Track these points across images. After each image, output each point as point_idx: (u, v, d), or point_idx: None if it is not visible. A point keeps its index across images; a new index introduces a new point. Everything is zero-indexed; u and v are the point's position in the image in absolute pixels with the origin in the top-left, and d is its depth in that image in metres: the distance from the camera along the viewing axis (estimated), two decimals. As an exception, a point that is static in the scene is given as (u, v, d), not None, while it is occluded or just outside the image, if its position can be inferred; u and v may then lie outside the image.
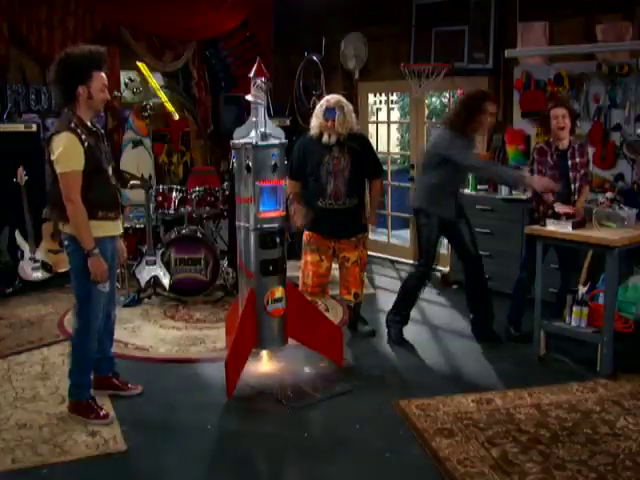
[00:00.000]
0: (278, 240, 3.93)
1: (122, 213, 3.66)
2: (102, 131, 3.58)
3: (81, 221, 3.31)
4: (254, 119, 3.90)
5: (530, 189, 4.60)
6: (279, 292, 3.96)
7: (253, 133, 3.88)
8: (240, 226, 3.97)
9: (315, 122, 4.56)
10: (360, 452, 3.24)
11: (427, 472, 3.06)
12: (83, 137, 3.30)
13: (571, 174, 4.49)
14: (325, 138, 4.52)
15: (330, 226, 4.61)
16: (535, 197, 4.60)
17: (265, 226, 3.88)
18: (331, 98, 4.57)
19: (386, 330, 4.83)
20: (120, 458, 3.19)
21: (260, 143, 3.84)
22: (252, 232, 3.89)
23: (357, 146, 4.58)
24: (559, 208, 4.33)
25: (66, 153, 3.26)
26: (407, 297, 4.81)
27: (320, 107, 4.55)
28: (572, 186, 4.50)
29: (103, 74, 3.40)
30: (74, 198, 3.28)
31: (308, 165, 4.59)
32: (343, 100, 4.58)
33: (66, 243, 3.48)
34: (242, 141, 3.89)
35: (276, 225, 3.92)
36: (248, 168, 3.84)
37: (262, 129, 3.87)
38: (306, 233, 4.71)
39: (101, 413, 3.50)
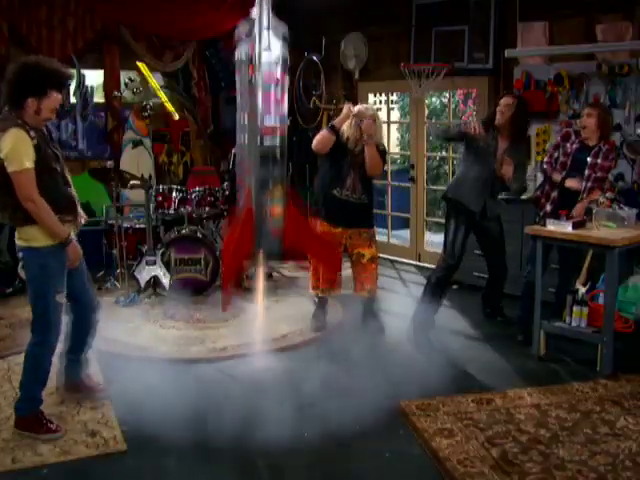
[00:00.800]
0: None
1: (77, 218, 3.46)
2: (47, 132, 3.41)
3: (47, 217, 3.20)
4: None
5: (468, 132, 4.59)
6: (278, 192, 3.86)
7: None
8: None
9: (349, 132, 4.63)
10: (360, 452, 3.25)
11: (427, 472, 3.06)
12: (31, 134, 3.16)
13: (587, 171, 4.45)
14: (351, 145, 4.63)
15: (343, 217, 4.69)
16: (541, 195, 4.63)
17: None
18: (366, 112, 4.62)
19: (388, 329, 4.85)
20: (120, 458, 3.19)
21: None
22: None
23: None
24: (569, 182, 4.43)
25: (16, 149, 3.11)
26: (430, 294, 4.81)
27: (359, 114, 4.61)
28: (583, 184, 4.47)
29: (59, 96, 3.28)
30: (33, 196, 3.14)
31: (332, 151, 4.64)
32: (376, 113, 4.72)
33: (20, 255, 3.36)
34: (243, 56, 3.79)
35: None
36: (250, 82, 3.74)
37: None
38: (318, 230, 4.74)
39: (52, 427, 3.36)
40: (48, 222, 3.22)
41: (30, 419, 3.37)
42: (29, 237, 3.27)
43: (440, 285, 4.82)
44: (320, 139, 4.68)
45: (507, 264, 5.10)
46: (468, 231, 4.77)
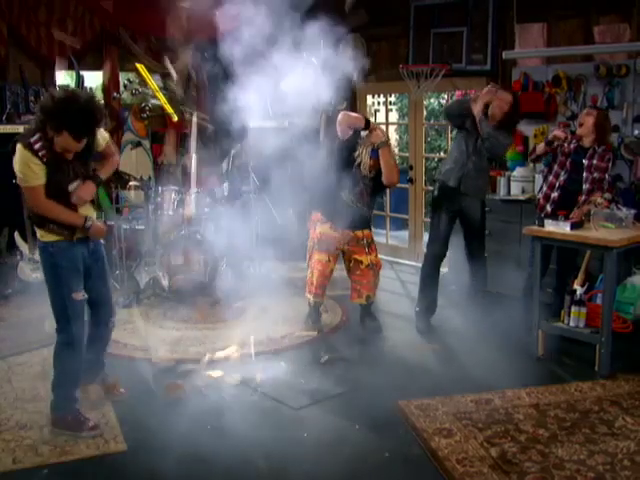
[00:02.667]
0: None
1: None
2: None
3: (57, 212, 3.29)
4: None
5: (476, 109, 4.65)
6: None
7: None
8: None
9: (364, 158, 4.65)
10: (359, 452, 3.25)
11: (426, 472, 3.07)
12: (41, 153, 3.16)
13: (585, 174, 4.48)
14: (363, 170, 4.67)
15: (343, 219, 4.69)
16: (542, 196, 4.66)
17: None
18: (382, 138, 4.64)
19: (385, 330, 4.87)
20: (120, 458, 3.19)
21: None
22: None
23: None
24: (553, 133, 4.58)
25: (22, 168, 3.18)
26: (421, 282, 4.98)
27: (368, 146, 4.64)
28: (583, 186, 4.48)
29: (72, 142, 3.17)
30: (40, 206, 3.26)
31: (345, 159, 4.67)
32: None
33: (39, 257, 3.45)
34: None
35: None
36: None
37: None
38: (317, 233, 4.77)
39: (91, 424, 3.41)
40: (62, 217, 3.31)
41: (68, 418, 3.41)
42: (42, 233, 3.37)
43: (428, 276, 4.92)
44: (353, 115, 4.75)
45: (505, 265, 5.12)
46: (452, 218, 4.82)
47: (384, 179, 4.68)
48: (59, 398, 3.46)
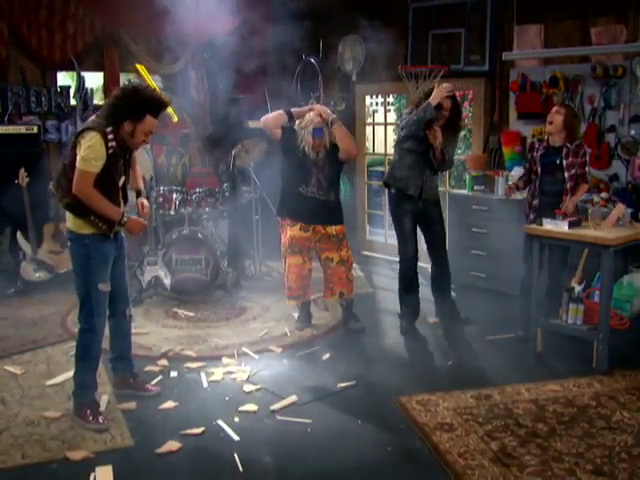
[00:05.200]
0: None
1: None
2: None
3: (99, 203, 3.39)
4: None
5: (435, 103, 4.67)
6: None
7: None
8: None
9: (304, 137, 4.62)
10: (362, 446, 3.31)
11: (429, 465, 3.13)
12: (111, 144, 3.35)
13: (565, 174, 4.52)
14: (313, 156, 4.63)
15: (310, 214, 4.68)
16: (528, 201, 4.72)
17: None
18: (315, 117, 4.64)
19: (385, 328, 4.95)
20: (127, 454, 3.24)
21: None
22: None
23: (332, 152, 4.69)
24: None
25: (90, 152, 3.30)
26: (400, 286, 4.99)
27: (307, 126, 4.62)
28: (566, 185, 4.53)
29: (155, 121, 3.46)
30: (87, 190, 3.33)
31: (294, 151, 4.65)
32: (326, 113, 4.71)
33: (68, 244, 3.55)
34: None
35: None
36: None
37: None
38: (287, 237, 4.75)
39: (99, 419, 3.48)
40: (102, 209, 3.41)
41: (84, 407, 3.51)
42: (79, 224, 3.44)
43: (408, 280, 4.93)
44: (272, 118, 4.73)
45: (503, 264, 5.16)
46: (414, 220, 4.83)
47: (342, 152, 4.67)
48: (79, 386, 3.57)
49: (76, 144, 3.36)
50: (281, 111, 4.75)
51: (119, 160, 3.46)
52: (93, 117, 3.47)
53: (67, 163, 3.43)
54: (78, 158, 3.32)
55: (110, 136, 3.35)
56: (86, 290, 3.48)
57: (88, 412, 3.49)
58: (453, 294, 5.21)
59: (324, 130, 4.63)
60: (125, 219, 3.50)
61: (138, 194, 3.85)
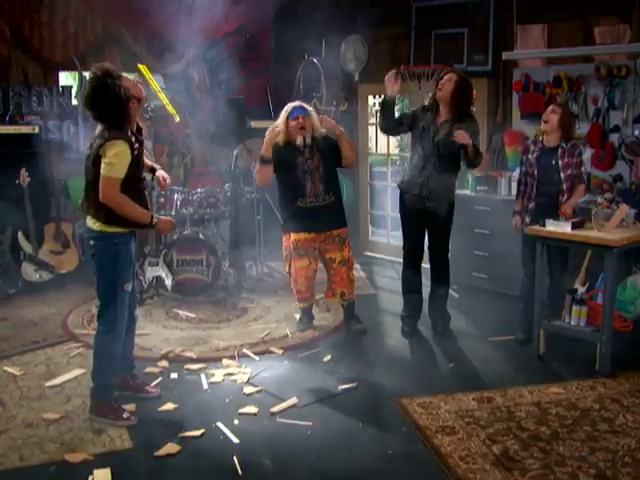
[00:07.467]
0: None
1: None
2: (142, 138, 3.60)
3: (130, 209, 3.39)
4: None
5: None
6: None
7: None
8: None
9: (282, 127, 4.59)
10: (362, 449, 3.28)
11: (430, 468, 3.10)
12: (135, 146, 3.37)
13: (562, 174, 4.47)
14: (299, 141, 4.59)
15: (314, 222, 4.64)
16: (520, 208, 4.70)
17: None
18: (291, 103, 4.66)
19: (387, 329, 4.93)
20: (126, 456, 3.22)
21: None
22: None
23: (325, 145, 4.67)
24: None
25: (119, 159, 3.30)
26: (403, 286, 4.95)
27: (284, 113, 4.62)
28: (563, 186, 4.47)
29: (131, 80, 3.50)
30: (114, 198, 3.33)
31: (282, 167, 4.65)
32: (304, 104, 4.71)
33: (92, 243, 3.48)
34: None
35: None
36: None
37: None
38: (291, 240, 4.71)
39: (124, 415, 3.52)
40: (132, 214, 3.42)
41: (105, 406, 3.51)
42: (107, 224, 3.41)
43: (409, 280, 4.89)
44: (259, 176, 4.78)
45: (506, 265, 5.13)
46: (419, 220, 4.73)
47: (345, 160, 4.71)
48: (98, 385, 3.57)
49: (98, 157, 3.33)
50: (259, 166, 4.70)
51: (140, 156, 3.50)
52: (102, 130, 3.41)
53: (90, 179, 3.41)
54: (103, 166, 3.30)
55: (133, 138, 3.37)
56: (113, 291, 3.46)
57: (112, 409, 3.51)
58: (455, 294, 5.17)
59: (306, 109, 4.60)
60: (155, 220, 3.51)
61: (153, 171, 3.87)
